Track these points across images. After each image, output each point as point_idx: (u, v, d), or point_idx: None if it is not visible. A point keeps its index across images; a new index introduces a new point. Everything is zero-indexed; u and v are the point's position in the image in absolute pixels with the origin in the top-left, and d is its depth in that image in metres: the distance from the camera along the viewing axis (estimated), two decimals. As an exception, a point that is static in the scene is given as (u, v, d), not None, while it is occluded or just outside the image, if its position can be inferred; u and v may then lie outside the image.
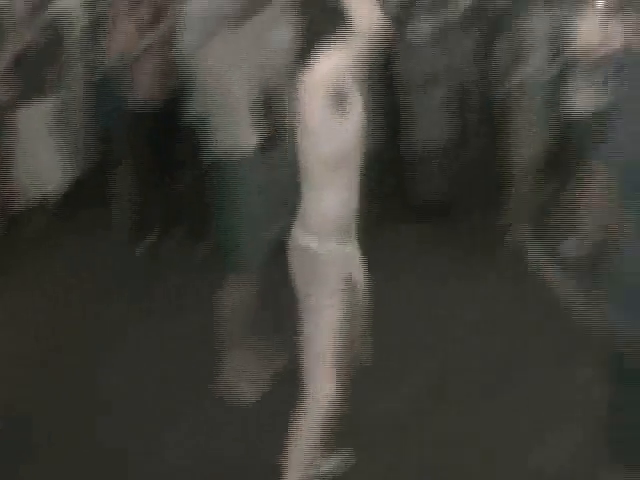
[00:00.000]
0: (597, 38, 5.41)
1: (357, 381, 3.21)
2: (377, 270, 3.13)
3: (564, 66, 5.74)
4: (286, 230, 2.97)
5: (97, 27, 6.23)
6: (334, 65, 2.64)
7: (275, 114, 5.37)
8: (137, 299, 5.03)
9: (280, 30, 5.39)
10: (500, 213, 6.27)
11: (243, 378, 4.00)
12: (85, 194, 6.24)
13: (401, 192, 6.52)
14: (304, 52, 2.74)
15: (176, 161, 5.89)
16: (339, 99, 2.68)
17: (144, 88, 5.67)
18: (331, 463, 3.44)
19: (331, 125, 2.67)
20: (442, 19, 6.24)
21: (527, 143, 5.76)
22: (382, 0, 2.65)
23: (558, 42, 5.67)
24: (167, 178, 6.01)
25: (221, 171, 3.77)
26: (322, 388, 2.89)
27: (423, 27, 6.09)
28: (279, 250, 3.15)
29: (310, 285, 2.85)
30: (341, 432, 3.30)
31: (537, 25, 5.61)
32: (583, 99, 5.74)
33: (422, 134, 6.25)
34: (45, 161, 6.01)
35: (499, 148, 6.04)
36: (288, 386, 3.18)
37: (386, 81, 6.26)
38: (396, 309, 4.52)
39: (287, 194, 3.19)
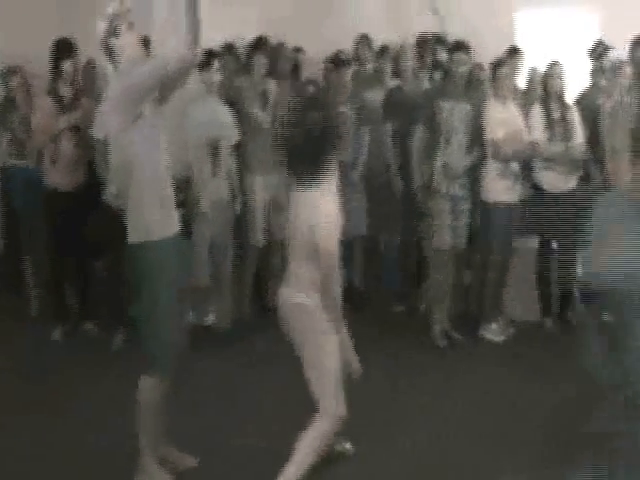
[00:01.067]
0: (504, 132, 5.77)
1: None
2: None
3: (479, 156, 5.89)
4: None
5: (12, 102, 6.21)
6: None
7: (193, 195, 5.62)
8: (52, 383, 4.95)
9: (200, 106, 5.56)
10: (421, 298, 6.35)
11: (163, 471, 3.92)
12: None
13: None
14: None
15: (93, 244, 5.78)
16: None
17: (61, 169, 5.62)
18: None
19: None
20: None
21: (445, 230, 5.81)
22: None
23: (473, 132, 5.84)
24: (84, 261, 5.96)
25: (137, 255, 3.69)
26: (333, 405, 3.62)
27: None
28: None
29: (306, 331, 3.61)
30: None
31: (453, 114, 5.74)
32: (498, 190, 5.88)
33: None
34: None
35: (419, 235, 6.13)
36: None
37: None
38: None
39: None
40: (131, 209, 3.66)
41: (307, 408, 3.59)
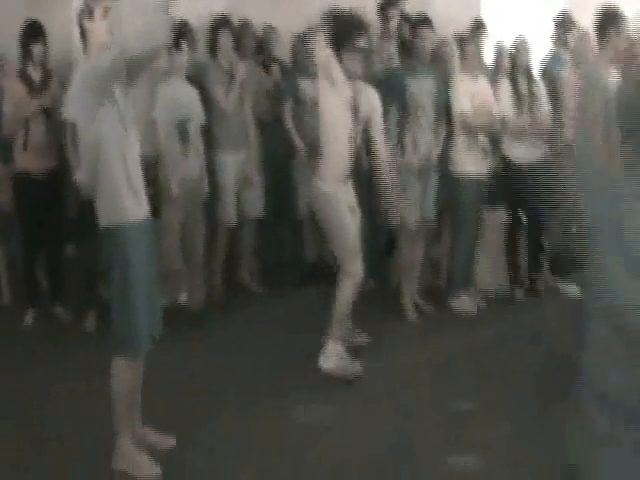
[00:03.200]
0: (472, 105, 5.85)
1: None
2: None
3: (448, 130, 5.97)
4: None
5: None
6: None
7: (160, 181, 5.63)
8: (24, 369, 4.95)
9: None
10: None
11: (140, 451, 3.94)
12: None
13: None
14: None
15: (63, 229, 5.82)
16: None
17: (32, 153, 5.61)
18: None
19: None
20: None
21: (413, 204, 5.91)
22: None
23: (440, 107, 5.92)
24: (54, 246, 5.94)
25: (108, 239, 3.72)
26: (353, 265, 4.87)
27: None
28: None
29: (328, 212, 4.95)
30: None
31: (420, 90, 5.82)
32: (466, 163, 5.97)
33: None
34: None
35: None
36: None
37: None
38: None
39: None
40: (100, 192, 3.68)
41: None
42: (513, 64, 6.21)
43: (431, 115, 5.90)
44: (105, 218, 3.68)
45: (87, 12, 3.65)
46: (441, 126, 5.96)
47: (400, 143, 5.79)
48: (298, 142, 6.37)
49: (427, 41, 5.86)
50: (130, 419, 3.91)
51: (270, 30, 6.82)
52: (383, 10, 6.59)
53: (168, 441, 4.11)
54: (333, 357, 4.94)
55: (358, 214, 5.08)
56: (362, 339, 5.37)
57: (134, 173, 3.72)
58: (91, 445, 4.03)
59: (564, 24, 6.49)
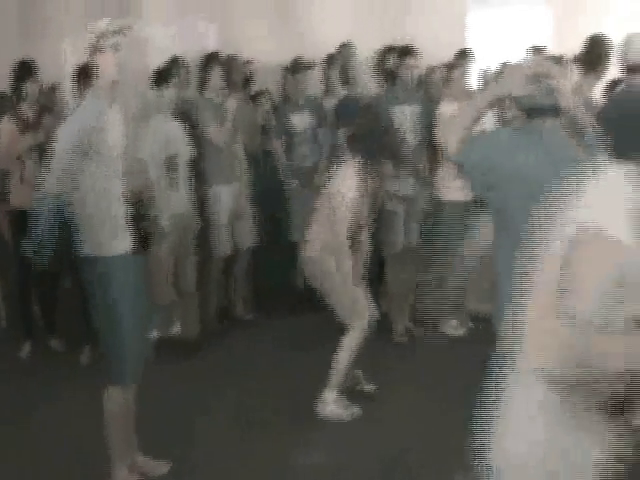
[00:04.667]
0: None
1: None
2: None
3: (431, 157, 6.11)
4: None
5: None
6: None
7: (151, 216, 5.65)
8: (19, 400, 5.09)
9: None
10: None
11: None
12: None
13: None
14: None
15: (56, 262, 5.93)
16: None
17: (26, 189, 5.67)
18: None
19: None
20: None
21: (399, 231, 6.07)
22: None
23: (425, 133, 6.06)
24: (50, 280, 6.06)
25: (86, 267, 3.83)
26: (354, 319, 4.82)
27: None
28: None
29: (321, 274, 4.94)
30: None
31: (405, 117, 6.00)
32: (451, 189, 6.05)
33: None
34: None
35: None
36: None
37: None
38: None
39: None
40: (80, 222, 3.78)
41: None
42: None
43: (416, 142, 6.05)
44: (84, 247, 3.78)
45: (95, 49, 3.75)
46: (425, 153, 6.08)
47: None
48: (289, 176, 6.56)
49: (412, 70, 6.04)
50: (125, 448, 4.02)
51: (259, 64, 7.03)
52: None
53: (161, 468, 4.23)
54: (330, 404, 4.90)
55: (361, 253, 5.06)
56: (369, 387, 5.26)
57: (115, 208, 3.83)
58: (87, 473, 4.13)
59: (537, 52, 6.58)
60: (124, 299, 3.79)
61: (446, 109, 6.00)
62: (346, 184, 4.81)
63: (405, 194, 6.02)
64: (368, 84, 6.65)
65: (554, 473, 2.11)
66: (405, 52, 6.13)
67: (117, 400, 3.91)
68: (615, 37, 5.40)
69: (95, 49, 3.75)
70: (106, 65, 3.75)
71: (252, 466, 4.32)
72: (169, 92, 5.84)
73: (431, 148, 6.05)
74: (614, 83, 6.03)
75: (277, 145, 6.61)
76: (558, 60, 6.31)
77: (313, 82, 6.73)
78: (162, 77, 5.83)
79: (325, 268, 4.88)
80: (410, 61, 6.04)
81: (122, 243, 3.86)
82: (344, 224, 4.78)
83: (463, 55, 6.63)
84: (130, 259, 3.88)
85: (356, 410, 4.93)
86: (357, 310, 4.86)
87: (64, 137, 3.76)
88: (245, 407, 5.03)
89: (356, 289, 4.91)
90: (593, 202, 2.07)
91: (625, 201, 2.04)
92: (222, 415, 4.93)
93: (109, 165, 3.81)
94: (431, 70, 6.52)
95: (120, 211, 3.87)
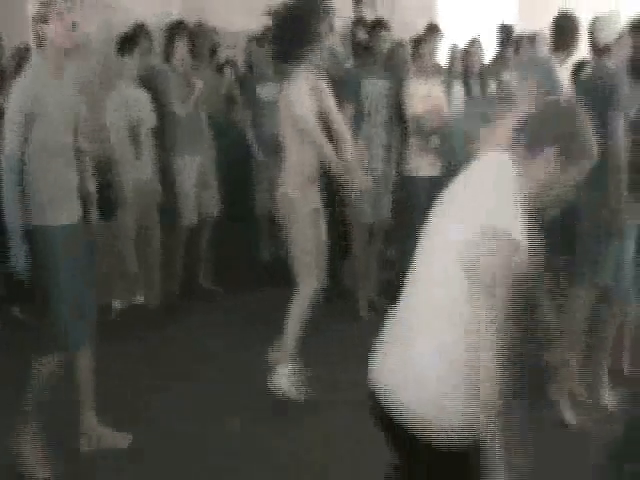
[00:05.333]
0: (425, 107, 5.95)
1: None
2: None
3: (400, 131, 6.11)
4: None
5: None
6: None
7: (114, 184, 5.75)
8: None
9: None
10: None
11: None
12: None
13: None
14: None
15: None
16: None
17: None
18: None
19: None
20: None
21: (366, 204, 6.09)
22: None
23: (395, 108, 6.08)
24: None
25: (33, 237, 3.73)
26: (306, 280, 4.63)
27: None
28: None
29: (288, 217, 4.65)
30: None
31: (375, 91, 5.99)
32: (419, 165, 6.07)
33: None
34: None
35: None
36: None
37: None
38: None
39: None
40: (26, 189, 3.70)
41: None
42: (465, 66, 6.34)
43: (385, 116, 6.03)
44: (31, 217, 3.71)
45: (42, 17, 3.69)
46: (395, 127, 6.08)
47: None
48: (256, 148, 6.56)
49: (383, 43, 6.02)
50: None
51: (223, 32, 6.98)
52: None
53: (122, 440, 4.22)
54: (283, 377, 4.69)
55: (323, 218, 4.84)
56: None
57: (61, 177, 3.79)
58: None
59: (505, 30, 6.60)
60: (63, 269, 3.74)
61: (415, 85, 6.06)
62: (299, 100, 4.53)
63: (374, 167, 6.00)
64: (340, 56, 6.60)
65: None
66: (377, 25, 6.13)
67: (45, 366, 3.86)
68: (584, 15, 5.46)
69: (41, 17, 3.70)
70: (54, 33, 3.69)
71: (213, 443, 4.29)
72: (133, 59, 5.80)
73: (401, 123, 6.08)
74: (581, 65, 6.08)
75: (244, 116, 6.58)
76: (531, 39, 6.41)
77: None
78: (126, 44, 5.79)
79: (299, 210, 4.63)
80: (381, 34, 6.03)
81: (65, 213, 3.81)
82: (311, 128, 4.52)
83: (432, 30, 6.59)
84: (71, 229, 3.84)
85: (305, 392, 4.66)
86: (311, 269, 4.66)
87: (9, 102, 3.72)
88: (204, 380, 5.01)
89: (316, 244, 4.72)
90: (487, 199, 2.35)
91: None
92: (180, 387, 4.89)
93: (55, 133, 3.76)
94: (399, 44, 6.48)
95: (67, 180, 3.84)
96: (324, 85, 4.66)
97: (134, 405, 4.58)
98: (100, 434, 4.18)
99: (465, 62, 6.37)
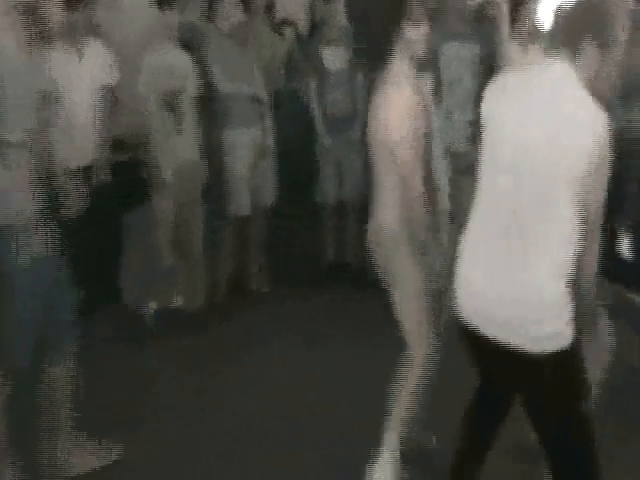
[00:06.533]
0: None
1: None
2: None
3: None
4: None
5: None
6: None
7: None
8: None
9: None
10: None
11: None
12: None
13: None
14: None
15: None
16: None
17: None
18: None
19: None
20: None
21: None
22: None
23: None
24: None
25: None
26: (416, 338, 3.47)
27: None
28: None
29: (387, 255, 3.52)
30: None
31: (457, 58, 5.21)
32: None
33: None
34: None
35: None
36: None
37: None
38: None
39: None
40: None
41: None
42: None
43: (472, 89, 5.12)
44: None
45: None
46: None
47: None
48: (321, 125, 5.76)
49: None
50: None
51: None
52: None
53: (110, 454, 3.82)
54: (387, 471, 3.56)
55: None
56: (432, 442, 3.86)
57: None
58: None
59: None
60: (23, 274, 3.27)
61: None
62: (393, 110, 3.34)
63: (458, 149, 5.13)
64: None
65: None
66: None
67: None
68: None
69: None
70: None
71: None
72: (173, 14, 5.06)
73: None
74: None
75: (308, 86, 5.77)
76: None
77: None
78: (167, -3, 5.07)
79: (399, 249, 3.47)
80: None
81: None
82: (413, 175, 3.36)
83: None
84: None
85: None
86: (422, 321, 3.51)
87: None
88: (248, 399, 4.34)
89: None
90: None
91: None
92: (219, 403, 4.31)
93: None
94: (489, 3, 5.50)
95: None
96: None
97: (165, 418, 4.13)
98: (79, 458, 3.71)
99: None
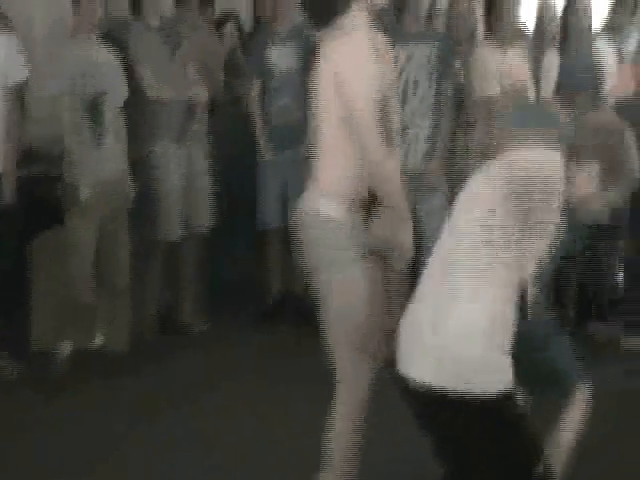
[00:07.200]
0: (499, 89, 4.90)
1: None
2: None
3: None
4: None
5: None
6: None
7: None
8: None
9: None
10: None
11: None
12: None
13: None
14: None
15: None
16: None
17: None
18: None
19: None
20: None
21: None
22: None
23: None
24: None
25: None
26: (349, 375, 2.91)
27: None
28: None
29: (324, 255, 2.93)
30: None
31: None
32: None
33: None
34: None
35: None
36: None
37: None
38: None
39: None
40: None
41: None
42: (565, 29, 5.23)
43: (429, 98, 4.92)
44: None
45: None
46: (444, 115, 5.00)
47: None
48: (264, 138, 5.38)
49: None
50: None
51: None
52: None
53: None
54: None
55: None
56: None
57: None
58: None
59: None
60: None
61: (486, 57, 5.00)
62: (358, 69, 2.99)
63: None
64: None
65: None
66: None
67: None
68: None
69: None
70: None
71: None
72: (92, 6, 4.63)
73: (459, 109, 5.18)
74: None
75: (253, 96, 5.38)
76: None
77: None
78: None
79: (337, 242, 2.93)
80: None
81: None
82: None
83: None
84: None
85: None
86: (359, 354, 2.97)
87: None
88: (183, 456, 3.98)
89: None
90: None
91: None
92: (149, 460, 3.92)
93: None
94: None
95: None
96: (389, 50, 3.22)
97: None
98: None
99: (563, 23, 5.21)
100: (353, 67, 2.89)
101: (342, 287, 2.87)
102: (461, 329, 2.32)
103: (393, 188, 2.95)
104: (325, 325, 2.92)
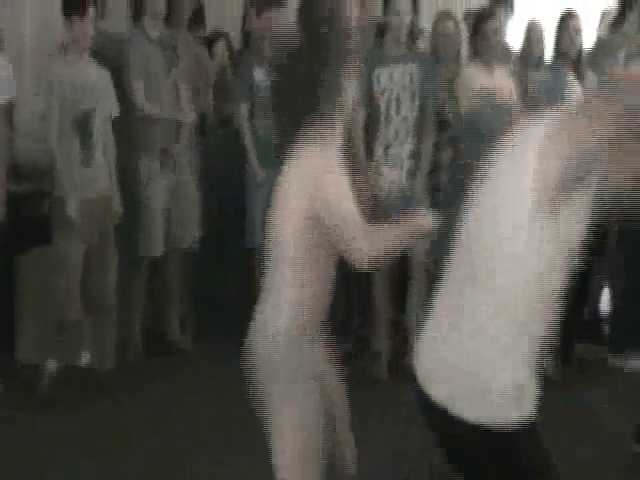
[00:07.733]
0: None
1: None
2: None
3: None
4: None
5: None
6: None
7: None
8: None
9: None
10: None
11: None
12: None
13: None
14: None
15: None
16: None
17: None
18: None
19: None
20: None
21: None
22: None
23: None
24: None
25: None
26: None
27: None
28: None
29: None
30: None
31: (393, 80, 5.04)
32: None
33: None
34: None
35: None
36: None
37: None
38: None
39: None
40: None
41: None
42: (557, 50, 5.25)
43: (410, 118, 4.95)
44: None
45: None
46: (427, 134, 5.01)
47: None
48: (253, 155, 5.35)
49: (405, 16, 4.95)
50: None
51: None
52: None
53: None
54: None
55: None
56: None
57: None
58: None
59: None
60: None
61: (471, 77, 4.99)
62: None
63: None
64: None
65: None
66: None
67: None
68: None
69: None
70: None
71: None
72: (83, 24, 4.62)
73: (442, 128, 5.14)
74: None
75: (241, 109, 5.37)
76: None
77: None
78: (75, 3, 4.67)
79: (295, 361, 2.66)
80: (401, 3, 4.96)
81: None
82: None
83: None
84: None
85: None
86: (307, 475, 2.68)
87: None
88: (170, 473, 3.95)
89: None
90: None
91: None
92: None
93: None
94: (445, 17, 5.33)
95: None
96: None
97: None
98: None
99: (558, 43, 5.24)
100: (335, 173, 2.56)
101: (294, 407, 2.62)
102: (479, 347, 2.25)
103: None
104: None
